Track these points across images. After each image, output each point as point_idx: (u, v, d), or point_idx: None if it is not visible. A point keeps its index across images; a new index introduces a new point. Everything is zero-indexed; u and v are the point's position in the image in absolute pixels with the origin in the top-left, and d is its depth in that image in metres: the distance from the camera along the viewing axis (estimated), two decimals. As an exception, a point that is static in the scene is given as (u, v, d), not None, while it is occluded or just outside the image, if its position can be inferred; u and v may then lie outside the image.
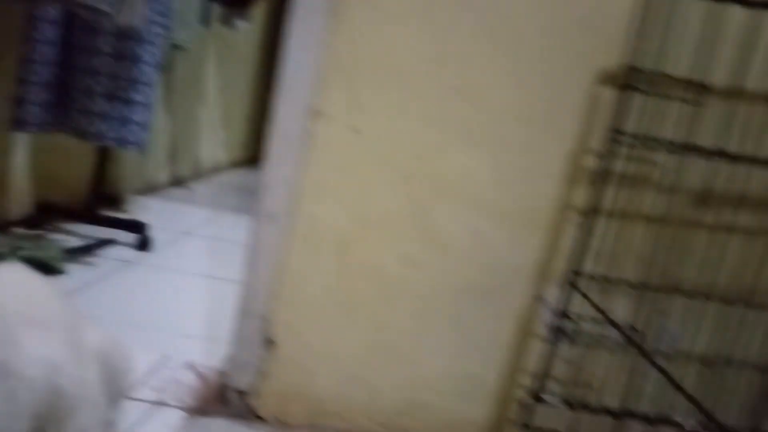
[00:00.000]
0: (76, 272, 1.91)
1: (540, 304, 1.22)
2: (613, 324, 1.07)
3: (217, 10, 3.20)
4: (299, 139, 1.22)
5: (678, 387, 0.82)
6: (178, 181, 3.40)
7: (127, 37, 2.16)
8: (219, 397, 1.29)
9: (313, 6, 1.20)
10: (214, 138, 3.84)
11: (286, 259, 1.24)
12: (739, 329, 1.12)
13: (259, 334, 1.26)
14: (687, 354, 1.15)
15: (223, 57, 3.62)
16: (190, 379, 1.36)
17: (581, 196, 1.20)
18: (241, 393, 1.27)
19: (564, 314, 1.15)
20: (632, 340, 1.05)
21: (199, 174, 3.72)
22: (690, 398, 0.79)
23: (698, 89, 1.11)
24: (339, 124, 1.22)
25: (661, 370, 0.88)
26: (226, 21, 3.29)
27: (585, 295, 1.12)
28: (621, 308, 1.21)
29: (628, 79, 1.10)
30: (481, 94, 1.21)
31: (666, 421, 1.16)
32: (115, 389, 0.97)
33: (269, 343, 1.26)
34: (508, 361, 1.26)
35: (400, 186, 1.23)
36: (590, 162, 1.19)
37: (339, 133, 1.22)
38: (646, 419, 1.16)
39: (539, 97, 1.21)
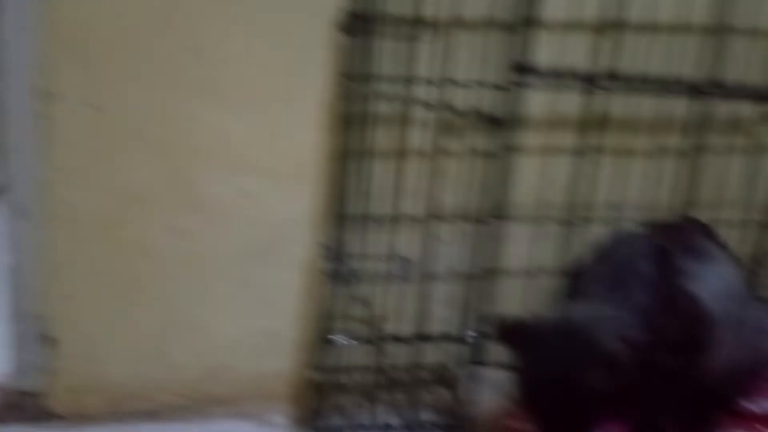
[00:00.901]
0: None
1: (322, 249, 1.25)
2: (340, 257, 1.13)
3: None
4: (35, 125, 1.15)
5: (364, 302, 0.88)
6: None
7: None
8: (13, 404, 1.24)
9: (18, -20, 1.10)
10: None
11: (50, 253, 1.19)
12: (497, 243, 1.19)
13: (37, 334, 1.21)
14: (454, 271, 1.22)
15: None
16: (-17, 391, 1.30)
17: (341, 141, 1.21)
18: (33, 395, 1.23)
19: (338, 256, 1.19)
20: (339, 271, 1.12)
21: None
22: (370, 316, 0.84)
23: (417, 24, 1.14)
24: (76, 104, 1.15)
25: (359, 298, 0.93)
26: None
27: (340, 237, 1.16)
28: (402, 242, 1.26)
29: (352, 24, 1.11)
30: (220, 52, 1.17)
31: (450, 337, 1.25)
32: None
33: (51, 340, 1.22)
34: (301, 310, 1.29)
35: (155, 157, 1.19)
36: (341, 107, 1.20)
37: (78, 113, 1.15)
38: (428, 338, 1.24)
39: (283, 49, 1.19)
